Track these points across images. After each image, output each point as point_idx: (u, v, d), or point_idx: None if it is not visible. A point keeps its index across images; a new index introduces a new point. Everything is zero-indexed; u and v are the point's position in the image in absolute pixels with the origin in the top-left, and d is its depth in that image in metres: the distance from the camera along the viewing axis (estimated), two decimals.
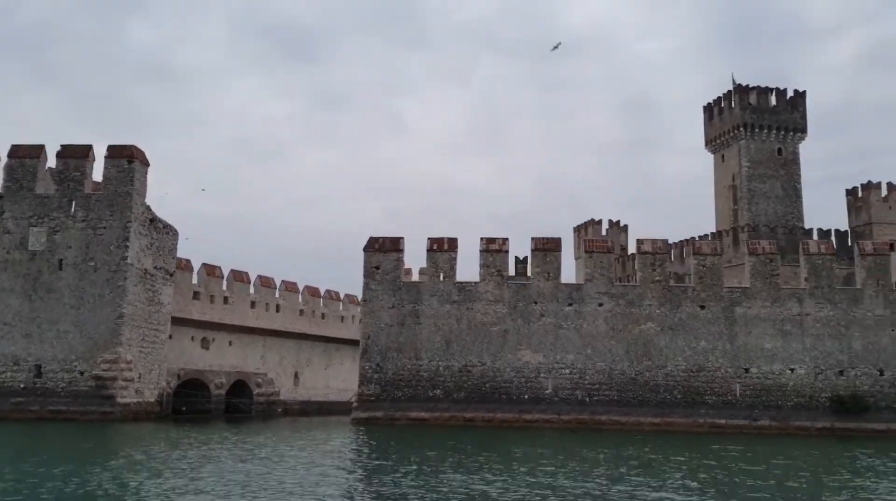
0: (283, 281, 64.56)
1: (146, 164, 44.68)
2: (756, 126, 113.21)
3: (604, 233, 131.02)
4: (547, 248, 44.94)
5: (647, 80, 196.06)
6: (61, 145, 43.99)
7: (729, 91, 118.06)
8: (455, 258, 45.30)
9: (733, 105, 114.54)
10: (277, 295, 63.43)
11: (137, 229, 43.56)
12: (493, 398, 43.58)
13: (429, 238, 45.77)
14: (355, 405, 44.61)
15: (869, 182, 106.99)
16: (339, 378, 70.25)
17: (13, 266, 42.64)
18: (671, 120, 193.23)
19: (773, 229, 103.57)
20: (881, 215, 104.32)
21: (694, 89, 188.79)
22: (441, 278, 45.09)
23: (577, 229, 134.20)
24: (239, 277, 59.11)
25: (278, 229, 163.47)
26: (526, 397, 43.58)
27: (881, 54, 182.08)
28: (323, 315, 68.96)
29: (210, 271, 56.27)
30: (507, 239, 45.31)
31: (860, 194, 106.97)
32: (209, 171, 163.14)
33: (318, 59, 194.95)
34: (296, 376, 64.41)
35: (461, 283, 45.09)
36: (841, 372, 42.79)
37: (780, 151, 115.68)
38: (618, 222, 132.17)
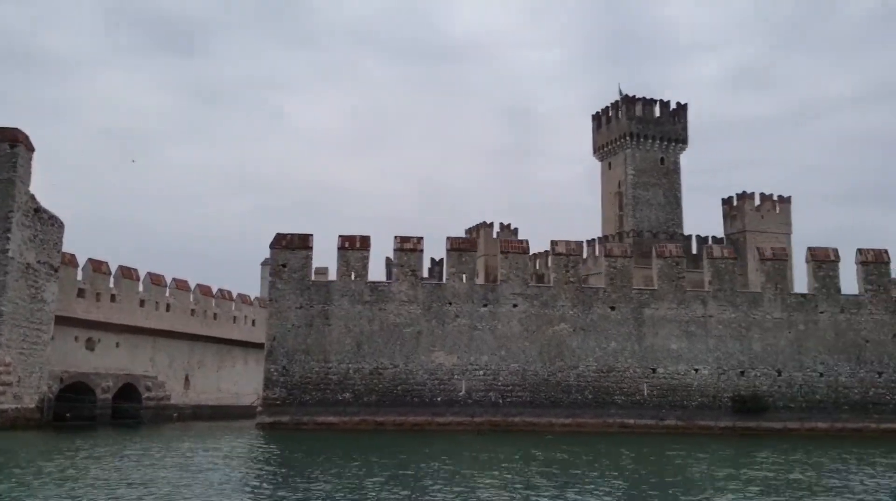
0: (174, 279, 61.16)
1: (31, 149, 41.01)
2: (641, 136, 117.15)
3: (494, 236, 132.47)
4: (462, 248, 44.23)
5: (529, 88, 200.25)
6: None
7: (616, 101, 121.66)
8: (367, 257, 43.90)
9: (620, 115, 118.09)
10: (168, 293, 60.01)
11: (20, 220, 39.86)
12: (405, 402, 42.45)
13: (340, 236, 44.17)
14: (259, 409, 42.44)
15: (744, 192, 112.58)
16: (231, 381, 67.29)
17: None
18: (553, 128, 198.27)
19: (656, 235, 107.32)
20: (754, 223, 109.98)
21: (574, 99, 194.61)
22: (353, 278, 43.56)
23: (469, 232, 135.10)
24: (127, 273, 55.44)
25: (149, 225, 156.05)
26: (439, 399, 42.69)
27: (743, 75, 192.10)
28: (215, 315, 65.85)
29: (97, 266, 52.45)
30: (421, 238, 44.35)
31: (735, 203, 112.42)
32: (76, 162, 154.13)
33: (196, 52, 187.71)
34: (186, 379, 61.09)
35: (374, 283, 43.76)
36: (742, 373, 44.14)
37: (662, 160, 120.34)
38: (508, 225, 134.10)
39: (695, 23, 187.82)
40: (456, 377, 43.01)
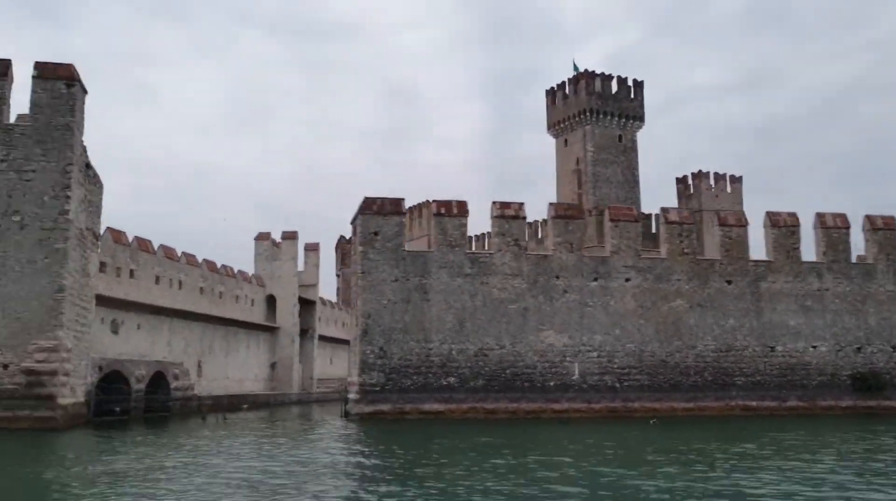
0: (183, 253, 54.20)
1: (85, 91, 33.91)
2: (600, 112, 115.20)
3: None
4: (569, 215, 39.82)
5: (412, 68, 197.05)
6: None
7: (575, 76, 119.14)
8: (465, 225, 38.92)
9: (579, 90, 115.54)
10: (177, 269, 53.08)
11: (77, 177, 32.86)
12: (515, 386, 37.86)
13: (434, 201, 39.06)
14: (355, 396, 36.87)
15: (700, 171, 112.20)
16: (236, 368, 60.80)
17: None
18: (434, 109, 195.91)
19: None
20: (709, 202, 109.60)
21: (455, 81, 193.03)
22: (451, 248, 38.47)
23: (412, 210, 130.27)
24: (144, 245, 48.37)
25: None
26: (552, 384, 38.29)
27: (622, 61, 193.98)
28: (220, 294, 59.14)
29: (117, 237, 45.34)
30: (522, 204, 39.65)
31: (690, 181, 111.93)
32: None
33: (63, 22, 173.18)
34: (199, 365, 54.36)
35: (474, 254, 38.90)
36: (859, 349, 41.59)
37: (620, 137, 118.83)
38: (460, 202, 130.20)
39: (574, 8, 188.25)
40: (568, 359, 38.68)
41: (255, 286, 67.03)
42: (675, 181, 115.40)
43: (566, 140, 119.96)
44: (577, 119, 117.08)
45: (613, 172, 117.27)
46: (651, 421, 35.62)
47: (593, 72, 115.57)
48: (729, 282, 40.74)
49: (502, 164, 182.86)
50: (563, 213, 39.76)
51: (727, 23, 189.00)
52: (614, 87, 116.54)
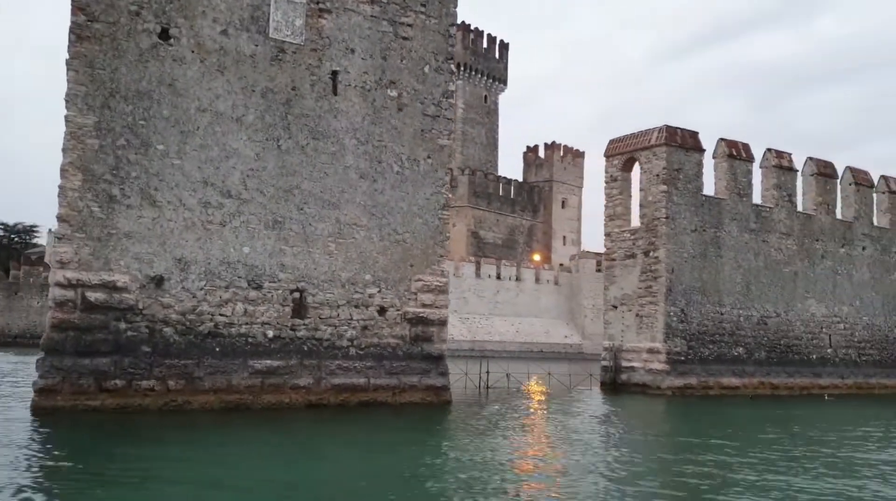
0: None
1: None
2: (473, 69, 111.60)
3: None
4: (826, 173, 36.29)
5: None
6: None
7: None
8: (751, 172, 33.87)
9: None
10: None
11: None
12: (789, 359, 33.94)
13: (722, 139, 33.42)
14: (661, 367, 30.30)
15: (553, 143, 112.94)
16: None
17: (241, 68, 18.76)
18: None
19: (486, 175, 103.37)
20: (559, 173, 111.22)
21: None
22: (740, 198, 33.21)
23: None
24: None
25: None
26: (814, 357, 34.88)
27: None
28: None
29: None
30: (791, 154, 35.45)
31: (542, 152, 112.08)
32: None
33: None
34: None
35: (759, 207, 33.90)
36: None
37: (486, 98, 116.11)
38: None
39: None
40: (823, 330, 35.47)
41: None
42: (525, 150, 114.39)
43: None
44: None
45: (479, 133, 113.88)
46: (827, 398, 32.73)
47: (469, 25, 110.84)
48: None
49: None
50: (822, 171, 36.13)
51: None
52: (485, 44, 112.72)
